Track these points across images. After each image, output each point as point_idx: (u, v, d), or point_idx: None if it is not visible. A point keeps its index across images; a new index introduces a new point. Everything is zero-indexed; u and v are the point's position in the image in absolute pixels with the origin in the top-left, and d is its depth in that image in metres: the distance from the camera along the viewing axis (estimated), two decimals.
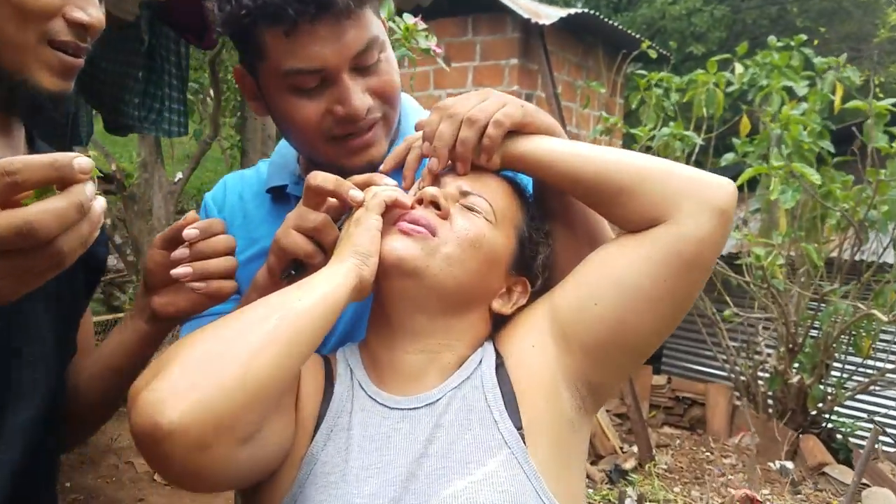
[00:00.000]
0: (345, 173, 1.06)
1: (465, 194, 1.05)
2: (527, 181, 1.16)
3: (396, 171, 1.14)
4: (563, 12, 6.78)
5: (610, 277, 0.97)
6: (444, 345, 1.00)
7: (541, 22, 6.26)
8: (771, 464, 5.21)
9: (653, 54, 6.59)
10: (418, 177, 1.11)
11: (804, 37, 6.29)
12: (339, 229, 1.02)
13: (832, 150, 5.21)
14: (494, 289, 1.04)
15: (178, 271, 1.01)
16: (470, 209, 1.03)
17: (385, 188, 1.02)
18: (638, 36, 8.08)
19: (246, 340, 0.80)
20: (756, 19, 14.42)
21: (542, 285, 1.08)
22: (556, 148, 1.04)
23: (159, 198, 6.12)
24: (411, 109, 1.40)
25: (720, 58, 5.88)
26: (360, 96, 1.14)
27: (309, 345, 0.85)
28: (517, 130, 1.06)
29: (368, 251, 0.94)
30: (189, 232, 1.02)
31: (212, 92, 6.07)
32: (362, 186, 1.03)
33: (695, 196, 0.95)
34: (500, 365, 1.00)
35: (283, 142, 1.40)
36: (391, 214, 1.00)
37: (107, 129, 3.10)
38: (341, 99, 1.14)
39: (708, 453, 5.66)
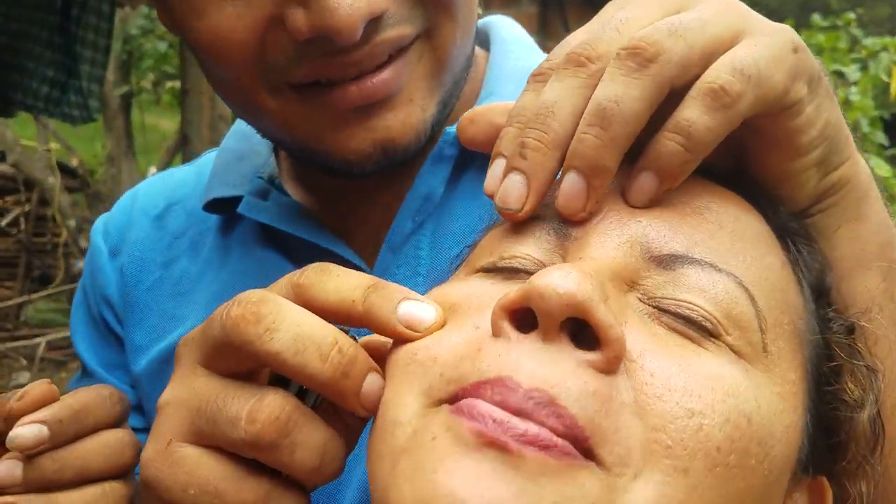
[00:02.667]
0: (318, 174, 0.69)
1: (665, 261, 0.48)
2: None
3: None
4: None
5: None
6: None
7: None
8: None
9: None
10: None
11: (852, 16, 5.98)
12: None
13: (885, 141, 4.84)
14: None
15: None
16: (689, 320, 0.47)
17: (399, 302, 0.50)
18: None
19: None
20: (782, 4, 14.20)
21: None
22: None
23: None
24: (511, 45, 0.83)
25: None
26: None
27: None
28: (758, 121, 0.51)
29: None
30: (23, 435, 0.58)
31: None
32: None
33: None
34: None
35: None
36: (414, 365, 0.48)
37: None
38: None
39: None
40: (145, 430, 0.84)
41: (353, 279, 0.50)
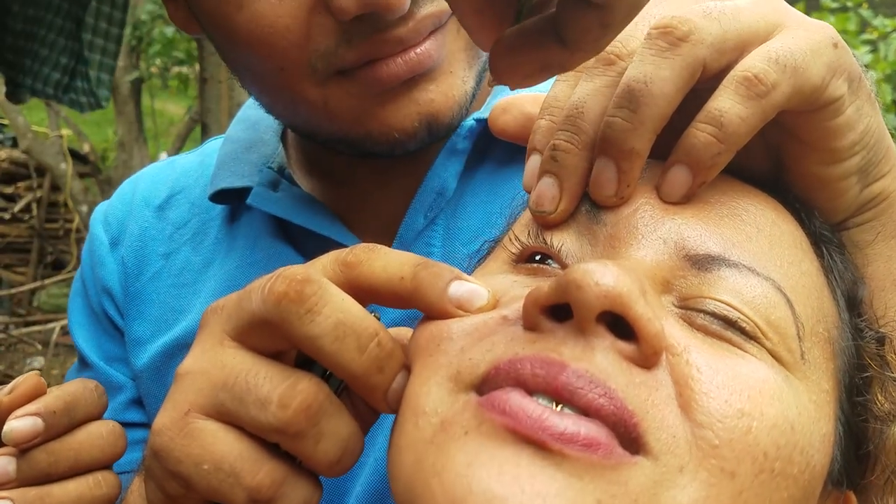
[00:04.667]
0: (366, 152, 0.69)
1: (701, 261, 0.45)
2: None
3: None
4: None
5: None
6: None
7: None
8: None
9: None
10: None
11: None
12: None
13: None
14: None
15: None
16: (728, 320, 0.44)
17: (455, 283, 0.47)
18: None
19: None
20: None
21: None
22: None
23: None
24: None
25: None
26: None
27: None
28: (795, 121, 0.49)
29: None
30: (19, 428, 0.58)
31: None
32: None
33: None
34: None
35: (250, 102, 0.87)
36: (439, 352, 0.44)
37: (7, 95, 2.39)
38: None
39: None
40: (146, 425, 0.82)
41: (401, 257, 0.48)
